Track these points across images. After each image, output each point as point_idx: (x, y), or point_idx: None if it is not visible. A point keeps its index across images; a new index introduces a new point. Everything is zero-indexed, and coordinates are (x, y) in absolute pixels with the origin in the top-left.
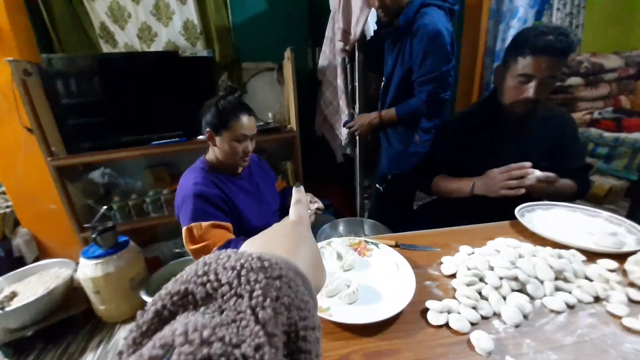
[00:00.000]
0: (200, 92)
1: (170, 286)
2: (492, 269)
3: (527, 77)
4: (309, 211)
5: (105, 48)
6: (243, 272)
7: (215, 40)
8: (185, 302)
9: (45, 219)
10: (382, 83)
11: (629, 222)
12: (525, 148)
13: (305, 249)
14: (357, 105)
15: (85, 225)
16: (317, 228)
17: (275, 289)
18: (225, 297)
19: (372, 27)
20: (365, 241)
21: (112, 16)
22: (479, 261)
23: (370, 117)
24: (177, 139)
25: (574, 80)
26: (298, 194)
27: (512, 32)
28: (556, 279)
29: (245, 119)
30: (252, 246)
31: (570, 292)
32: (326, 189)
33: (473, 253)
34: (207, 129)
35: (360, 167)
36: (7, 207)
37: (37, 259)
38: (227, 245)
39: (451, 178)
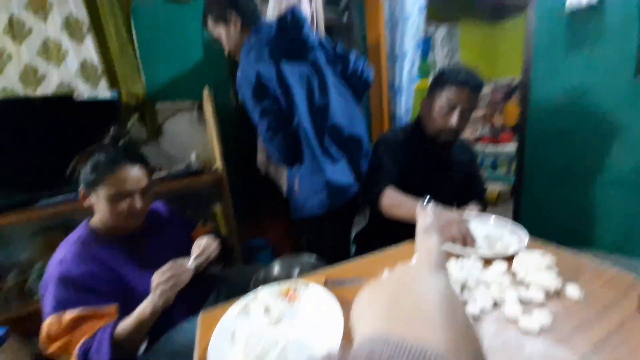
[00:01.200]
0: (103, 139)
1: None
2: None
3: (450, 108)
4: (191, 268)
5: None
6: None
7: (121, 81)
8: None
9: None
10: None
11: (511, 223)
12: (448, 174)
13: (461, 317)
14: None
15: None
16: (243, 281)
17: None
18: None
19: None
20: (295, 286)
21: None
22: None
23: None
24: (70, 196)
25: None
26: (428, 214)
27: (405, 72)
28: (462, 289)
29: (126, 170)
30: (368, 318)
31: (475, 301)
32: (266, 227)
33: None
34: (80, 187)
35: None
36: None
37: None
38: (92, 339)
39: (401, 193)
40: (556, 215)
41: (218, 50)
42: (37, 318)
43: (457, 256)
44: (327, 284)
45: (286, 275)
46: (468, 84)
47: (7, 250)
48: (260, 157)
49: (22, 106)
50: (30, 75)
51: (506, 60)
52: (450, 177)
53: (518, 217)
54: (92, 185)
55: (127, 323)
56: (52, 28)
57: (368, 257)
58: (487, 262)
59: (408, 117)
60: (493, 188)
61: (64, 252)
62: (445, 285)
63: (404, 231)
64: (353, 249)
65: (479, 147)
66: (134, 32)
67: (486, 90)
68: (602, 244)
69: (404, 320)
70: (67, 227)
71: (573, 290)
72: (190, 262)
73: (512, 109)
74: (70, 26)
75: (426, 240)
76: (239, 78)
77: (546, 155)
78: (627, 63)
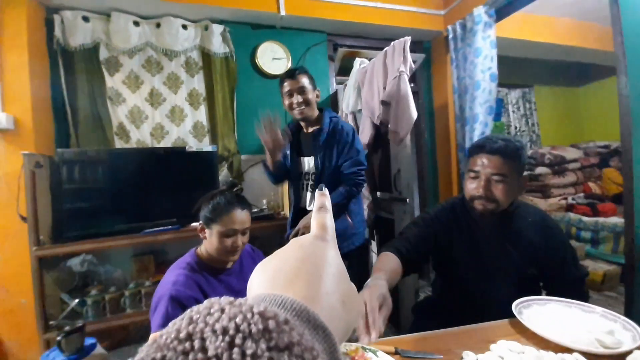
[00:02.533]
0: (201, 181)
1: (145, 351)
2: None
3: (474, 172)
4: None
5: (119, 144)
6: (238, 340)
7: (219, 137)
8: None
9: (11, 315)
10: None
11: (622, 318)
12: (506, 250)
13: (331, 279)
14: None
15: (50, 323)
16: None
17: None
18: None
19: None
20: (363, 348)
21: (131, 117)
22: None
23: (309, 216)
24: (169, 226)
25: (541, 170)
26: (321, 198)
27: (476, 133)
28: None
29: (237, 213)
30: (261, 278)
31: None
32: None
33: None
34: (200, 222)
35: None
36: None
37: None
38: None
39: (388, 259)
40: None
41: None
42: (122, 331)
43: (563, 349)
44: (396, 354)
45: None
46: (490, 149)
47: (109, 267)
48: None
49: (148, 154)
50: (158, 131)
51: (594, 123)
52: (510, 253)
53: (631, 307)
54: (209, 222)
55: None
56: (179, 98)
57: (441, 332)
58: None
59: None
60: (595, 268)
61: (176, 275)
62: (336, 255)
63: (470, 310)
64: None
65: (572, 218)
66: (235, 101)
67: (575, 155)
68: None
69: (281, 278)
70: (155, 253)
71: None
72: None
73: (612, 175)
74: (192, 97)
75: (320, 218)
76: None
77: None
78: None
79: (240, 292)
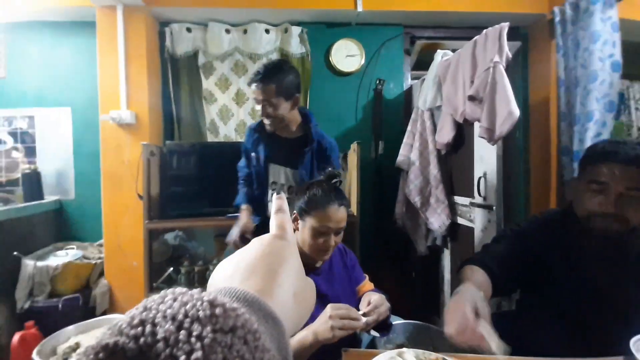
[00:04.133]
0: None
1: (99, 337)
2: None
3: (599, 184)
4: (362, 321)
5: (210, 138)
6: (186, 324)
7: None
8: None
9: (125, 274)
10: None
11: None
12: (622, 282)
13: (287, 274)
14: None
15: (153, 284)
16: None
17: (223, 347)
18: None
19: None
20: (443, 359)
21: (220, 115)
22: None
23: (247, 222)
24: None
25: None
26: (279, 201)
27: (589, 134)
28: None
29: (332, 210)
30: (222, 274)
31: None
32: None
33: None
34: (294, 212)
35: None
36: (100, 258)
37: (104, 312)
38: None
39: (477, 273)
40: None
41: (366, 114)
42: None
43: None
44: None
45: (409, 342)
46: (623, 157)
47: (195, 244)
48: (399, 209)
49: (232, 147)
50: (242, 127)
51: None
52: (630, 283)
53: None
54: (303, 214)
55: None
56: None
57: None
58: None
59: None
60: None
61: None
62: (294, 253)
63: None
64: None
65: None
66: (308, 99)
67: None
68: None
69: (239, 274)
70: None
71: None
72: (364, 316)
73: None
74: None
75: (279, 219)
76: None
77: None
78: None
79: (328, 295)
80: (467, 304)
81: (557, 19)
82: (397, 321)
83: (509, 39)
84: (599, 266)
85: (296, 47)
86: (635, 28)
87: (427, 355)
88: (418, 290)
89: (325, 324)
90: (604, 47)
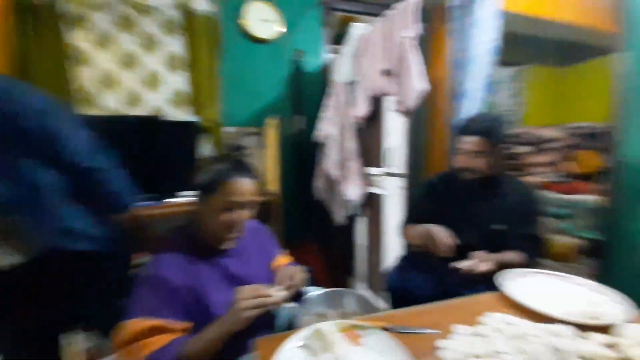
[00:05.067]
0: (180, 154)
1: None
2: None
3: (459, 149)
4: (275, 296)
5: (84, 110)
6: None
7: (203, 108)
8: None
9: None
10: None
11: (612, 291)
12: (487, 212)
13: None
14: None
15: None
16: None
17: None
18: None
19: None
20: (354, 325)
21: (98, 81)
22: (481, 347)
23: None
24: (151, 202)
25: (523, 149)
26: None
27: (470, 110)
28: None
29: (239, 182)
30: None
31: None
32: (306, 255)
33: (473, 334)
34: (195, 193)
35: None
36: None
37: None
38: (159, 351)
39: (412, 226)
40: None
41: (286, 87)
42: None
43: (547, 319)
44: (387, 329)
45: (333, 310)
46: (479, 131)
47: None
48: (319, 182)
49: (118, 123)
50: (130, 98)
51: (582, 104)
52: (491, 215)
53: (607, 280)
54: (205, 192)
55: (196, 341)
56: (155, 61)
57: (428, 306)
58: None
59: None
60: (568, 242)
61: (164, 256)
62: None
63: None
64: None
65: (548, 195)
66: (219, 66)
67: (556, 134)
68: None
69: None
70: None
71: None
72: (279, 291)
73: (588, 156)
74: (172, 62)
75: None
76: None
77: (637, 211)
78: None
79: (241, 277)
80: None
81: (451, 4)
82: (316, 291)
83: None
84: (468, 203)
85: (201, 1)
86: (508, 18)
87: (340, 323)
88: (335, 258)
89: (234, 309)
90: (487, 32)
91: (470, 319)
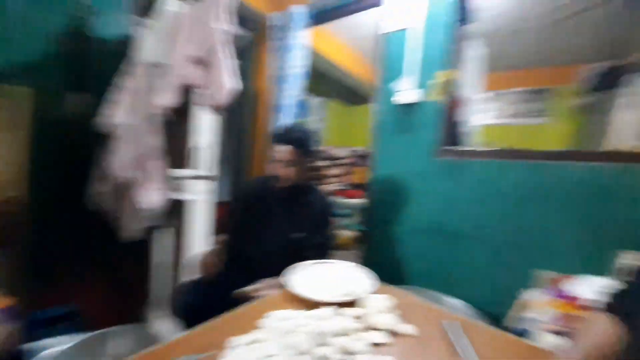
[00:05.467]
0: None
1: None
2: None
3: (274, 156)
4: None
5: None
6: None
7: None
8: None
9: None
10: None
11: (365, 269)
12: (287, 221)
13: None
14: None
15: None
16: None
17: None
18: None
19: None
20: None
21: None
22: (253, 355)
23: None
24: None
25: (323, 163)
26: None
27: (284, 122)
28: (323, 345)
29: None
30: None
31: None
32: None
33: (250, 342)
34: None
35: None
36: None
37: None
38: None
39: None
40: (389, 257)
41: (63, 50)
42: None
43: (318, 305)
44: None
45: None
46: (291, 141)
47: None
48: (98, 186)
49: None
50: None
51: (359, 134)
52: (293, 224)
53: (367, 262)
54: None
55: None
56: None
57: (201, 328)
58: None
59: None
60: (345, 234)
61: None
62: None
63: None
64: None
65: (337, 199)
66: None
67: (344, 153)
68: (415, 279)
69: None
70: None
71: (408, 329)
72: None
73: (361, 171)
74: None
75: None
76: None
77: (383, 210)
78: (429, 147)
79: None
80: None
81: (275, 23)
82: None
83: (250, 27)
84: (276, 212)
85: None
86: (317, 56)
87: None
88: (124, 285)
89: None
90: (300, 56)
91: (249, 326)
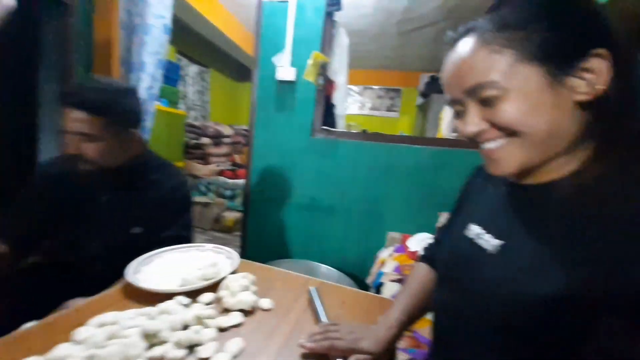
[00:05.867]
0: None
1: None
2: None
3: (63, 128)
4: None
5: None
6: None
7: None
8: None
9: None
10: None
11: (226, 249)
12: (114, 215)
13: None
14: None
15: None
16: None
17: None
18: None
19: None
20: None
21: None
22: None
23: None
24: None
25: (205, 140)
26: None
27: (143, 84)
28: (152, 346)
29: None
30: None
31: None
32: None
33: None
34: None
35: None
36: None
37: None
38: None
39: None
40: (271, 234)
41: None
42: None
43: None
44: None
45: None
46: (85, 104)
47: None
48: None
49: None
50: None
51: (243, 112)
52: (124, 218)
53: (245, 241)
54: None
55: None
56: None
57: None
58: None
59: (146, 137)
60: (230, 216)
61: None
62: None
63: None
64: None
65: (221, 180)
66: None
67: (230, 132)
68: (296, 252)
69: None
70: None
71: (266, 303)
72: None
73: (246, 151)
74: None
75: None
76: None
77: (263, 188)
78: (307, 126)
79: None
80: None
81: None
82: None
83: None
84: (91, 205)
85: None
86: (194, 18)
87: None
88: None
89: None
90: (159, 6)
91: (57, 340)
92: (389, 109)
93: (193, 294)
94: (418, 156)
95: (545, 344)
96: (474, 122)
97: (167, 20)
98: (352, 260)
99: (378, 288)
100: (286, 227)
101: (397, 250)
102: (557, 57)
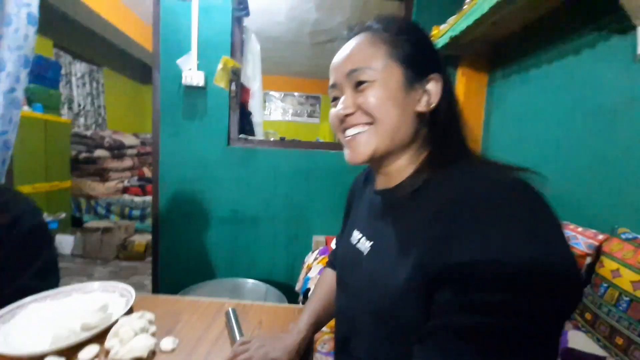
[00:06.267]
0: None
1: None
2: None
3: None
4: None
5: None
6: None
7: None
8: None
9: None
10: None
11: (121, 285)
12: None
13: None
14: None
15: None
16: None
17: None
18: None
19: None
20: None
21: None
22: None
23: None
24: None
25: (101, 153)
26: None
27: (2, 87)
28: None
29: None
30: None
31: None
32: None
33: None
34: None
35: None
36: None
37: None
38: None
39: None
40: (190, 255)
41: None
42: None
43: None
44: None
45: None
46: None
47: None
48: None
49: None
50: None
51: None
52: None
53: (157, 267)
54: None
55: None
56: None
57: None
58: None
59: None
60: (140, 240)
61: None
62: None
63: None
64: None
65: (126, 199)
66: None
67: (134, 141)
68: (221, 271)
69: None
70: None
71: (167, 343)
72: None
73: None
74: None
75: None
76: None
77: (176, 204)
78: (223, 134)
79: None
80: None
81: None
82: None
83: None
84: None
85: None
86: (73, 2)
87: None
88: None
89: None
90: None
91: None
92: (310, 115)
93: (71, 351)
94: (335, 160)
95: (406, 322)
96: (347, 104)
97: (34, 8)
98: (281, 269)
99: (305, 294)
100: (207, 244)
101: (321, 253)
102: (412, 68)
